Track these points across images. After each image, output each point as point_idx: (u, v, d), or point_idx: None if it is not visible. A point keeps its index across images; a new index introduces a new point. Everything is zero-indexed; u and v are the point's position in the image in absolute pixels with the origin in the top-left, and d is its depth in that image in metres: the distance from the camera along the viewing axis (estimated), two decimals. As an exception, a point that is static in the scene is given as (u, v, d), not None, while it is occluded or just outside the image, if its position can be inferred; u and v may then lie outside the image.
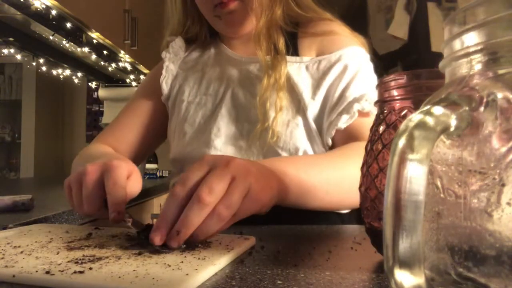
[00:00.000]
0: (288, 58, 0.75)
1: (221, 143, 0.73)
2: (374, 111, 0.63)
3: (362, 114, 0.69)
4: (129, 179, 0.54)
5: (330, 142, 0.72)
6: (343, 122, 0.69)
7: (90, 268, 0.35)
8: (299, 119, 0.71)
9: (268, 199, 0.48)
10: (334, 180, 0.58)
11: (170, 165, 0.85)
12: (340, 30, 0.78)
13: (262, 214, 0.49)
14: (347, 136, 0.69)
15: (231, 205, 0.42)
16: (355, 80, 0.71)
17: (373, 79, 0.74)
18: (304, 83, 0.73)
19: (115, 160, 0.53)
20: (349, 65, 0.72)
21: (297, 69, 0.74)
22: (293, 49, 0.77)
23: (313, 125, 0.72)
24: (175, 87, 0.83)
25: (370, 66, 0.76)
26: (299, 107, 0.72)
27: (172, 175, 0.85)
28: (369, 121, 0.42)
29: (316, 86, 0.72)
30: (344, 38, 0.77)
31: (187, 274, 0.33)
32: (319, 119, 0.72)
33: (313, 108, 0.72)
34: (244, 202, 0.43)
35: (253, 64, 0.78)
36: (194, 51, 0.87)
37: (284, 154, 0.70)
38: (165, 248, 0.41)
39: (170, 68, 0.84)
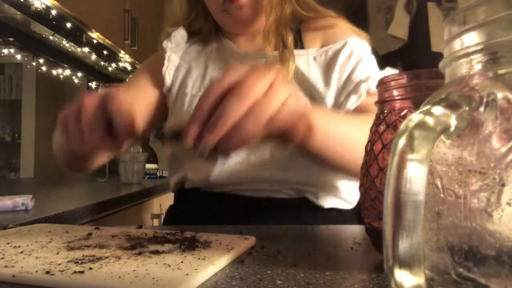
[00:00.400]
0: (296, 51, 0.75)
1: None
2: None
3: (369, 94, 0.70)
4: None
5: None
6: (352, 103, 0.69)
7: (90, 268, 0.35)
8: None
9: (301, 123, 0.45)
10: (353, 136, 0.56)
11: (168, 161, 0.84)
12: (342, 25, 0.79)
13: (293, 143, 0.45)
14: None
15: (271, 105, 0.39)
16: (360, 64, 0.72)
17: (376, 67, 0.75)
18: (314, 74, 0.73)
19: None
20: (354, 51, 0.73)
21: (306, 62, 0.74)
22: (300, 44, 0.77)
23: None
24: (177, 78, 0.81)
25: (372, 57, 0.77)
26: (311, 99, 0.72)
27: (171, 172, 0.84)
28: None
29: (327, 74, 0.73)
30: (346, 31, 0.78)
31: (187, 274, 0.33)
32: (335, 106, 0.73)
33: (330, 96, 0.72)
34: (281, 109, 0.40)
35: (259, 60, 0.77)
36: (196, 43, 0.85)
37: None
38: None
39: (172, 59, 0.81)
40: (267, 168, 0.71)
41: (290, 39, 0.75)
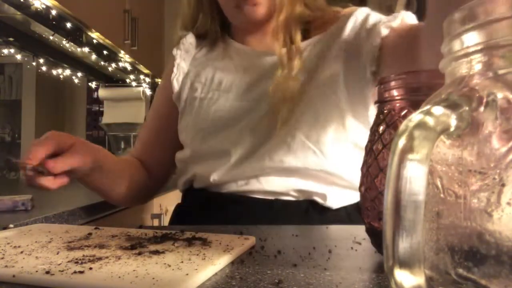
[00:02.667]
0: (302, 44, 0.75)
1: (240, 137, 0.73)
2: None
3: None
4: (70, 149, 0.62)
5: (373, 68, 0.70)
6: (385, 26, 0.69)
7: (90, 268, 0.35)
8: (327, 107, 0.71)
9: None
10: None
11: (176, 161, 0.84)
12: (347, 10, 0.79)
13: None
14: (400, 34, 0.68)
15: None
16: (371, 15, 0.74)
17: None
18: (322, 60, 0.73)
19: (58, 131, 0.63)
20: (358, 16, 0.75)
21: (313, 51, 0.75)
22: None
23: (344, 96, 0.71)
24: (186, 84, 0.82)
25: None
26: (325, 89, 0.72)
27: (179, 172, 0.83)
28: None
29: (334, 47, 0.73)
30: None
31: (187, 274, 0.33)
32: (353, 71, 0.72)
33: (343, 77, 0.71)
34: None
35: (266, 57, 0.77)
36: (204, 47, 0.86)
37: (298, 143, 0.70)
38: None
39: (181, 66, 0.84)
40: (270, 174, 0.71)
41: (298, 37, 0.75)
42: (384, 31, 0.69)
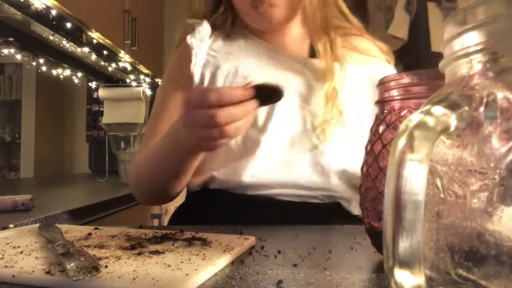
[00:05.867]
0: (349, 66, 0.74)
1: (269, 139, 0.70)
2: None
3: None
4: None
5: None
6: None
7: (90, 268, 0.35)
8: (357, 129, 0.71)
9: None
10: None
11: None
12: (370, 47, 0.80)
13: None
14: None
15: None
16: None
17: None
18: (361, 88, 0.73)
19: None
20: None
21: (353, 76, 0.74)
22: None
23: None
24: (206, 75, 0.76)
25: None
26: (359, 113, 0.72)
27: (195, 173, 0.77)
28: None
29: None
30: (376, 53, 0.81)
31: (187, 274, 0.33)
32: None
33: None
34: None
35: (299, 63, 0.76)
36: (219, 38, 0.81)
37: (331, 156, 0.70)
38: None
39: (199, 55, 0.77)
40: (307, 173, 0.70)
41: (338, 43, 0.75)
42: None
